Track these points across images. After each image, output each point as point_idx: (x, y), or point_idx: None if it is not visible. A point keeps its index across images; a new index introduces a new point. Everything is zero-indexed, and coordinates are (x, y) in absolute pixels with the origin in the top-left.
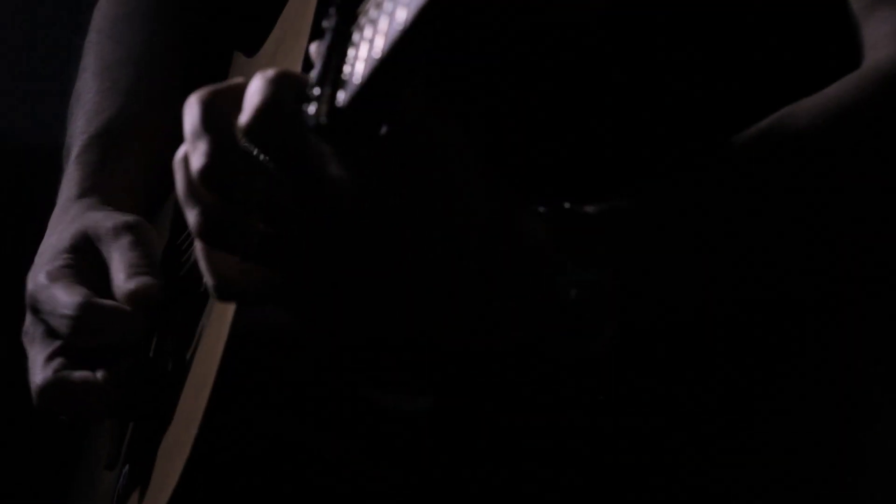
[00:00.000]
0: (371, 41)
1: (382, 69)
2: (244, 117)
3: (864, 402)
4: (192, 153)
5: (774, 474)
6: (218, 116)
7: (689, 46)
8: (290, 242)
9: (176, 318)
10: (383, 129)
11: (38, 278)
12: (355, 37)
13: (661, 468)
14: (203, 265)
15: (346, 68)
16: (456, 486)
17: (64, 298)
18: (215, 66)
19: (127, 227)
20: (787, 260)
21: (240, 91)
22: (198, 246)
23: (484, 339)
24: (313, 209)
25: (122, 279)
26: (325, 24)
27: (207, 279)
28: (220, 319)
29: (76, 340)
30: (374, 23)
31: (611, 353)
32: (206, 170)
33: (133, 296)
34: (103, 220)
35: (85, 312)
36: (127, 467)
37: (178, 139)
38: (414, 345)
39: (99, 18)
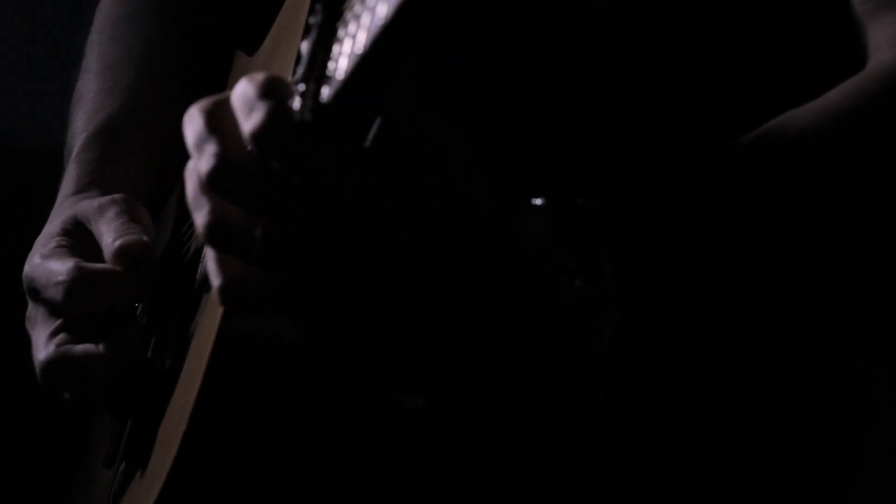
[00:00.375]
0: (354, 37)
1: (364, 64)
2: (249, 124)
3: (864, 402)
4: (200, 158)
5: (774, 474)
6: (221, 122)
7: (689, 46)
8: (289, 243)
9: (175, 315)
10: (374, 127)
11: (33, 259)
12: (340, 33)
13: (661, 468)
14: (211, 266)
15: (331, 64)
16: (456, 486)
17: (57, 267)
18: (216, 66)
19: (112, 202)
20: (788, 260)
21: None
22: (207, 249)
23: (483, 339)
24: (311, 210)
25: (109, 241)
26: (312, 20)
27: (213, 280)
28: (211, 315)
29: (72, 306)
30: (357, 18)
31: (611, 353)
32: (215, 171)
33: (120, 252)
34: (91, 202)
35: (77, 275)
36: (123, 464)
37: (178, 139)
38: (413, 345)
39: (101, 18)
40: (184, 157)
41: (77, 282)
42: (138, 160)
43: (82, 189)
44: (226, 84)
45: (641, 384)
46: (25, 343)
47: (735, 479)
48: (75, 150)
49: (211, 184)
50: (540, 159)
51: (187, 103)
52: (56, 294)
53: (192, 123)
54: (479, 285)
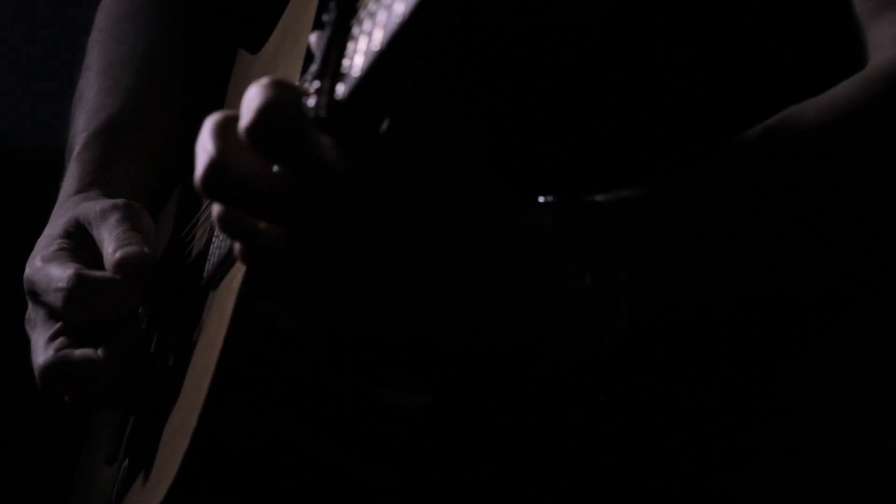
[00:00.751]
0: (370, 34)
1: (381, 62)
2: (245, 120)
3: (864, 402)
4: (196, 163)
5: (774, 474)
6: (224, 131)
7: (689, 46)
8: (290, 242)
9: (177, 313)
10: (384, 125)
11: (34, 262)
12: (355, 30)
13: (662, 469)
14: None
15: (346, 62)
16: (456, 486)
17: (58, 273)
18: (217, 65)
19: (114, 207)
20: (788, 260)
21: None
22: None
23: (484, 339)
24: (311, 208)
25: (110, 251)
26: (325, 17)
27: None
28: (220, 313)
29: (71, 314)
30: (373, 16)
31: (611, 353)
32: (204, 178)
33: (120, 264)
34: (93, 205)
35: (77, 283)
36: (126, 461)
37: (178, 139)
38: (414, 344)
39: (102, 17)
40: (184, 156)
41: (76, 290)
42: (139, 161)
43: (84, 188)
44: (228, 83)
45: (641, 384)
46: (25, 343)
47: (735, 479)
48: (77, 148)
49: (204, 189)
50: (540, 159)
51: (188, 103)
52: (55, 300)
53: (201, 134)
54: (479, 285)
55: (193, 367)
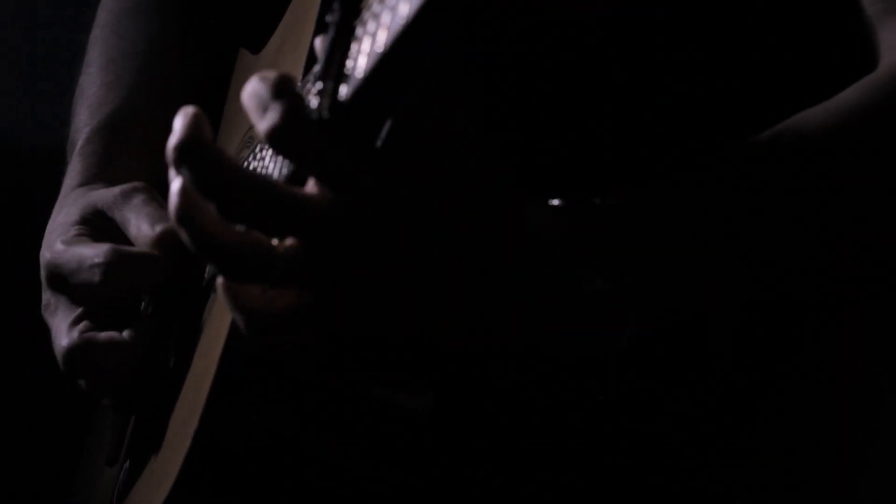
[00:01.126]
0: (374, 35)
1: (385, 63)
2: (266, 123)
3: (864, 402)
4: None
5: (774, 474)
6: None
7: (689, 46)
8: (309, 257)
9: (178, 314)
10: (386, 126)
11: (55, 247)
12: (358, 31)
13: (662, 469)
14: (231, 308)
15: (349, 63)
16: (456, 486)
17: (90, 251)
18: (217, 65)
19: (135, 189)
20: (788, 260)
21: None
22: (223, 295)
23: (484, 339)
24: (312, 209)
25: (146, 229)
26: (329, 18)
27: (240, 323)
28: (221, 313)
29: (108, 288)
30: (376, 17)
31: (611, 353)
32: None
33: (162, 238)
34: (109, 191)
35: (115, 257)
36: (128, 462)
37: None
38: (414, 344)
39: (104, 14)
40: None
41: (115, 264)
42: (139, 158)
43: (87, 181)
44: (228, 83)
45: (641, 384)
46: (26, 343)
47: (735, 479)
48: (79, 143)
49: (178, 218)
50: (540, 159)
51: (187, 102)
52: (91, 276)
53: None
54: (479, 285)
55: (194, 368)
